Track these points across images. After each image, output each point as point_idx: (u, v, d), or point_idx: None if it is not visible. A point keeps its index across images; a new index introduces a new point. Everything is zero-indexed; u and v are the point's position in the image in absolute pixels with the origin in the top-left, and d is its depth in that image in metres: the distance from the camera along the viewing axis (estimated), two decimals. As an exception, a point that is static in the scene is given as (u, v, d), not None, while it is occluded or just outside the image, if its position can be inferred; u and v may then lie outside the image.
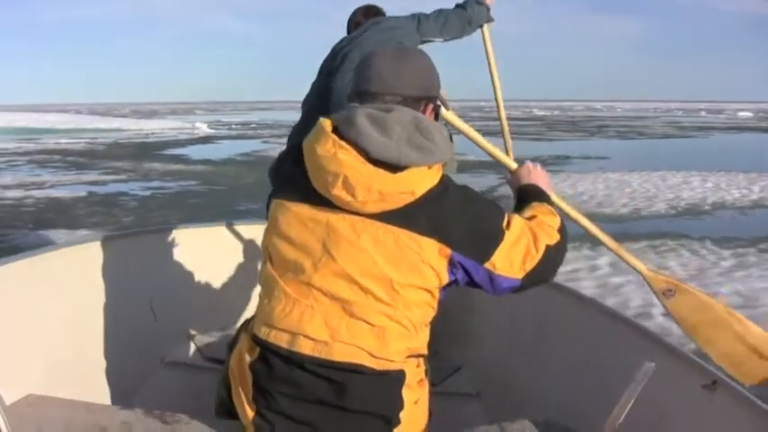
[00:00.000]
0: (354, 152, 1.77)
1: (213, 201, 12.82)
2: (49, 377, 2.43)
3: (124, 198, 13.35)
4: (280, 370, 1.85)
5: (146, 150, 25.09)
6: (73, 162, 20.59)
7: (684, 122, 56.33)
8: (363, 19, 3.75)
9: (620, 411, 2.29)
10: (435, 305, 1.94)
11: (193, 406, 2.23)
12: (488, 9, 3.79)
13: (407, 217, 1.80)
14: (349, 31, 3.81)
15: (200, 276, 3.40)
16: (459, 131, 2.48)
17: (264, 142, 29.22)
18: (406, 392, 1.89)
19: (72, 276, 2.78)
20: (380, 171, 1.76)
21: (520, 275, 1.92)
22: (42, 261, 2.73)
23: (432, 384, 2.05)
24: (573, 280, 6.96)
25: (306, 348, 1.82)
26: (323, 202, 1.83)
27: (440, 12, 3.72)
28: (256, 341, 1.90)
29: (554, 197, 2.38)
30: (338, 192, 1.78)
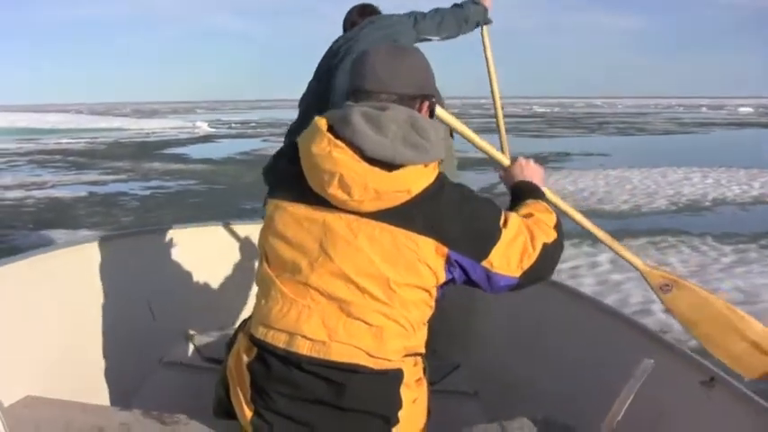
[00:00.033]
0: (350, 151, 1.76)
1: (213, 200, 12.82)
2: (47, 378, 2.43)
3: (124, 198, 13.36)
4: (277, 370, 1.85)
5: (146, 150, 25.12)
6: (73, 162, 20.61)
7: (685, 118, 56.34)
8: (359, 18, 3.75)
9: (618, 408, 2.28)
10: (433, 304, 1.94)
11: (192, 406, 2.23)
12: (486, 10, 3.79)
13: (404, 216, 1.80)
14: (345, 30, 3.82)
15: (198, 276, 3.40)
16: (452, 129, 2.47)
17: (264, 141, 29.23)
18: (404, 391, 1.88)
19: (70, 277, 2.78)
20: (376, 170, 1.75)
21: (517, 274, 1.92)
22: (40, 262, 2.73)
23: (430, 383, 2.04)
24: (573, 277, 6.97)
25: (303, 348, 1.82)
26: (319, 201, 1.82)
27: (436, 10, 3.73)
28: (254, 341, 1.90)
29: (548, 193, 2.37)
30: (334, 191, 1.77)
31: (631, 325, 2.60)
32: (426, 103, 1.98)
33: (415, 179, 1.79)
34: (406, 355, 1.90)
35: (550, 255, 1.98)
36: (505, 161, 2.47)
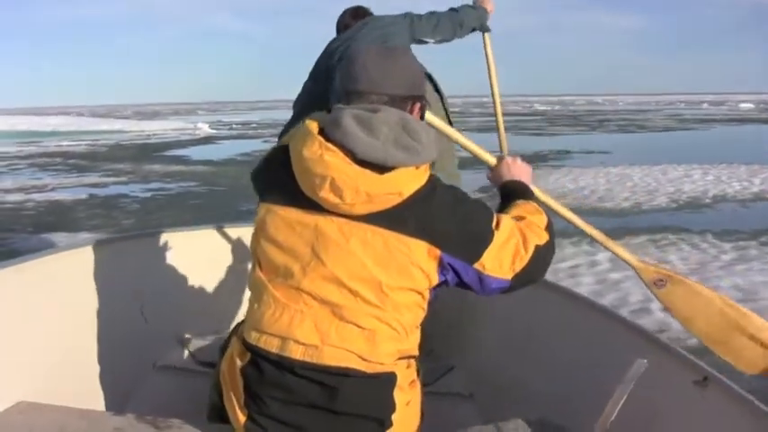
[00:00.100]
0: (341, 153, 1.75)
1: (214, 201, 12.82)
2: (39, 384, 2.42)
3: (125, 200, 13.35)
4: (271, 374, 1.84)
5: (147, 152, 25.12)
6: (74, 165, 20.61)
7: (686, 115, 56.31)
8: (352, 20, 3.75)
9: (612, 409, 2.28)
10: (425, 306, 1.93)
11: (186, 411, 2.23)
12: (484, 15, 3.78)
13: (395, 218, 1.79)
14: (338, 33, 3.81)
15: (192, 280, 3.39)
16: (439, 131, 2.47)
17: (265, 141, 29.22)
18: (397, 394, 1.88)
19: (63, 282, 2.78)
20: (367, 172, 1.75)
21: (509, 276, 1.91)
22: (32, 266, 2.73)
23: (424, 385, 2.04)
24: (573, 276, 6.95)
25: (296, 353, 1.82)
26: (310, 205, 1.82)
27: (432, 13, 3.72)
28: (247, 346, 1.90)
29: (537, 192, 2.36)
30: (326, 194, 1.76)
31: (625, 325, 2.60)
32: (418, 104, 1.97)
33: (406, 181, 1.79)
34: (400, 358, 1.89)
35: (542, 257, 1.97)
36: (492, 160, 2.46)
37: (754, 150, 21.97)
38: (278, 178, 1.89)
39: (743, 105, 77.99)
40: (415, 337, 1.95)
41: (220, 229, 3.68)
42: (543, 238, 1.98)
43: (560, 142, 27.17)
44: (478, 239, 1.87)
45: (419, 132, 1.79)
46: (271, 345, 1.84)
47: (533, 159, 19.48)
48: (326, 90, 3.43)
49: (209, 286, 3.49)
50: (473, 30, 3.78)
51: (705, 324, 2.60)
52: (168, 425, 2.14)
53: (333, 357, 1.81)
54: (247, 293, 2.02)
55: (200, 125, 43.65)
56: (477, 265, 1.87)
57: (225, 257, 3.62)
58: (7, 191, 14.65)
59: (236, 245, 3.64)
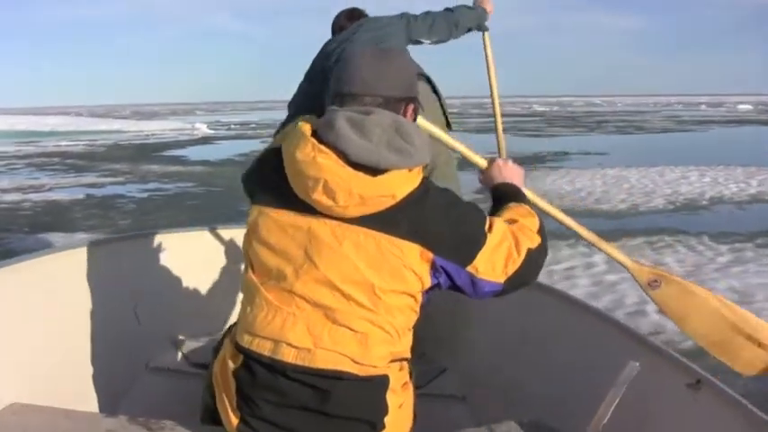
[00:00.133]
0: (334, 156, 1.75)
1: (211, 202, 12.81)
2: (32, 385, 2.42)
3: (122, 201, 13.34)
4: (263, 377, 1.84)
5: (145, 152, 25.09)
6: (72, 165, 20.59)
7: (684, 116, 56.30)
8: (347, 22, 3.75)
9: (604, 411, 2.29)
10: (418, 309, 1.93)
11: (179, 412, 2.23)
12: (481, 15, 3.78)
13: (388, 221, 1.79)
14: (333, 34, 3.82)
15: (186, 281, 3.38)
16: (430, 134, 2.46)
17: (263, 142, 29.17)
18: (390, 397, 1.88)
19: (56, 283, 2.77)
20: (360, 174, 1.75)
21: (502, 279, 1.91)
22: (25, 268, 2.72)
23: (417, 387, 2.04)
24: (569, 278, 6.96)
25: (288, 356, 1.82)
26: (303, 207, 1.81)
27: (427, 13, 3.72)
28: (239, 349, 1.89)
29: (528, 193, 2.36)
30: (319, 197, 1.76)
31: (618, 328, 2.59)
32: (411, 106, 1.96)
33: (399, 184, 1.79)
34: (392, 361, 1.90)
35: (535, 260, 1.97)
36: (482, 163, 2.45)
37: (751, 152, 21.97)
38: (270, 180, 1.89)
39: (741, 107, 78.03)
40: (408, 340, 1.95)
41: (214, 231, 3.68)
42: (535, 241, 1.98)
43: (558, 143, 27.17)
44: (471, 242, 1.87)
45: (412, 135, 1.79)
46: (263, 348, 1.84)
47: (531, 160, 19.49)
48: (322, 91, 3.43)
49: (203, 287, 3.48)
50: (469, 30, 3.78)
51: (700, 325, 2.58)
52: (161, 426, 2.14)
53: (325, 360, 1.81)
54: (241, 295, 2.02)
55: (198, 125, 43.60)
56: (469, 268, 1.87)
57: (219, 259, 3.61)
58: (5, 191, 14.64)
59: (230, 246, 3.63)
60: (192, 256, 3.43)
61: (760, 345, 2.48)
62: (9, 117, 57.45)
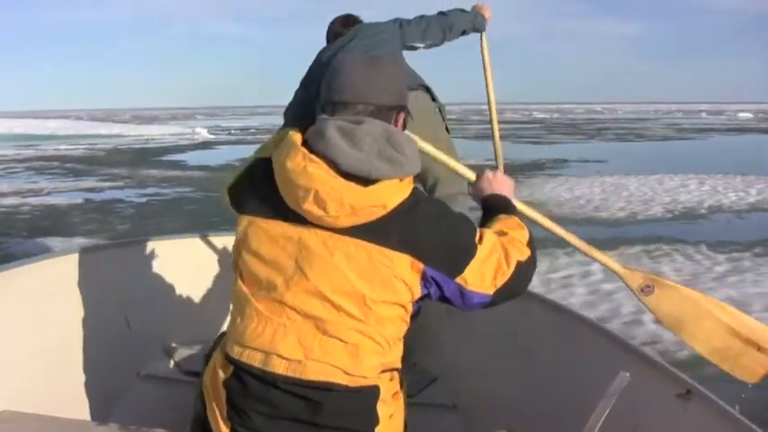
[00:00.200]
0: (325, 165, 1.74)
1: (209, 207, 12.79)
2: (23, 392, 2.42)
3: (120, 205, 13.35)
4: (254, 388, 1.83)
5: (144, 156, 25.13)
6: (71, 169, 20.62)
7: (684, 124, 56.34)
8: (342, 29, 3.76)
9: (594, 422, 2.28)
10: (408, 319, 1.92)
11: (170, 420, 2.22)
12: (476, 19, 3.78)
13: (379, 231, 1.79)
14: (328, 41, 3.82)
15: (178, 288, 3.38)
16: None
17: (263, 147, 29.17)
18: (380, 407, 1.87)
19: (47, 290, 2.77)
20: (351, 184, 1.74)
21: (491, 291, 1.90)
22: (17, 274, 2.72)
23: (408, 396, 2.03)
24: (565, 286, 6.95)
25: (279, 368, 1.81)
26: (294, 217, 1.81)
27: (421, 17, 3.73)
28: (229, 359, 1.88)
29: (518, 204, 2.35)
30: (309, 206, 1.75)
31: (609, 338, 2.59)
32: (402, 114, 1.96)
33: (390, 194, 1.78)
34: (383, 371, 1.89)
35: (524, 272, 1.96)
36: (471, 176, 2.44)
37: (751, 160, 21.97)
38: (260, 190, 1.88)
39: (741, 115, 78.08)
40: (398, 350, 1.94)
41: (207, 238, 3.67)
42: (525, 253, 1.97)
43: (558, 151, 27.18)
44: (461, 253, 1.87)
45: (403, 144, 1.79)
46: (254, 359, 1.83)
47: (530, 168, 19.51)
48: (318, 98, 3.43)
49: (195, 295, 3.48)
50: (464, 32, 3.78)
51: (697, 329, 2.52)
52: None
53: (316, 372, 1.80)
54: (233, 303, 2.01)
55: (198, 130, 43.64)
56: (458, 279, 1.86)
57: (211, 266, 3.60)
58: (3, 194, 14.66)
59: (223, 253, 3.63)
60: (184, 263, 3.42)
61: (760, 348, 2.43)
62: (8, 120, 57.47)
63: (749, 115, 76.68)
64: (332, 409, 1.81)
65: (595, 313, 6.14)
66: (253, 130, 47.58)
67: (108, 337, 2.92)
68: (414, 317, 1.94)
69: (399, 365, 1.96)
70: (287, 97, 3.88)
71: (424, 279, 1.85)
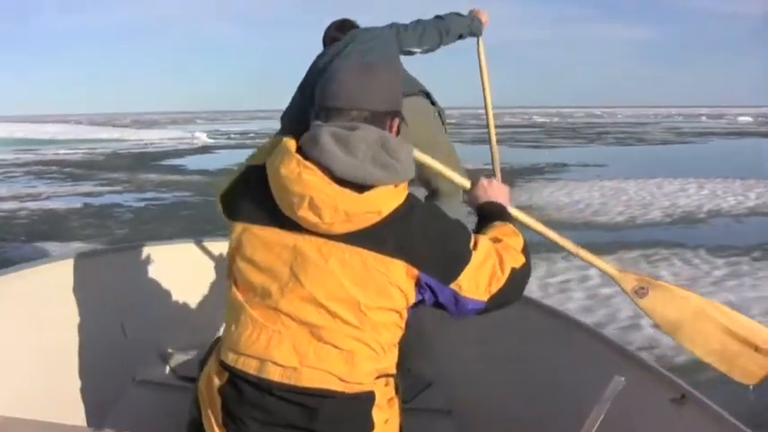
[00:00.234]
0: (319, 172, 1.74)
1: (207, 212, 12.76)
2: (19, 398, 2.42)
3: (119, 210, 13.36)
4: (249, 395, 1.83)
5: (143, 161, 25.15)
6: (70, 173, 20.64)
7: (684, 128, 56.39)
8: (338, 33, 3.74)
9: (589, 427, 2.28)
10: (403, 325, 1.92)
11: (165, 426, 2.22)
12: (472, 24, 3.78)
13: (374, 238, 1.78)
14: (325, 46, 3.81)
15: (173, 293, 3.37)
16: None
17: (263, 151, 29.17)
18: (375, 413, 1.87)
19: (42, 295, 2.77)
20: (346, 191, 1.73)
21: (485, 297, 1.90)
22: (12, 280, 2.72)
23: (403, 401, 2.02)
24: (563, 291, 6.96)
25: (275, 375, 1.80)
26: (288, 224, 1.80)
27: (418, 22, 3.72)
28: (224, 366, 1.88)
29: (513, 211, 2.34)
30: (304, 213, 1.75)
31: (604, 342, 2.59)
32: (396, 120, 1.95)
33: (385, 200, 1.78)
34: (378, 377, 1.88)
35: (518, 279, 1.95)
36: (466, 184, 2.43)
37: (750, 164, 22.00)
38: (254, 197, 1.87)
39: (741, 119, 78.14)
40: (393, 356, 1.93)
41: (203, 243, 3.67)
42: (519, 260, 1.97)
43: (557, 155, 27.21)
44: (456, 259, 1.86)
45: (397, 150, 1.78)
46: (249, 366, 1.82)
47: (530, 172, 19.52)
48: (313, 104, 3.42)
49: (191, 300, 3.47)
50: (460, 36, 3.78)
51: (693, 331, 2.49)
52: None
53: (312, 379, 1.79)
54: (228, 308, 2.01)
55: (198, 134, 43.69)
56: (453, 285, 1.85)
57: (207, 271, 3.60)
58: (2, 199, 14.67)
59: (218, 259, 3.62)
60: (180, 269, 3.42)
61: (757, 349, 2.40)
62: (8, 124, 57.55)
63: (749, 119, 76.74)
64: (327, 415, 1.81)
65: (593, 318, 6.14)
66: (252, 135, 47.61)
67: (103, 343, 2.91)
68: (409, 322, 1.94)
69: (394, 371, 1.95)
70: (287, 101, 3.87)
71: (419, 285, 1.84)
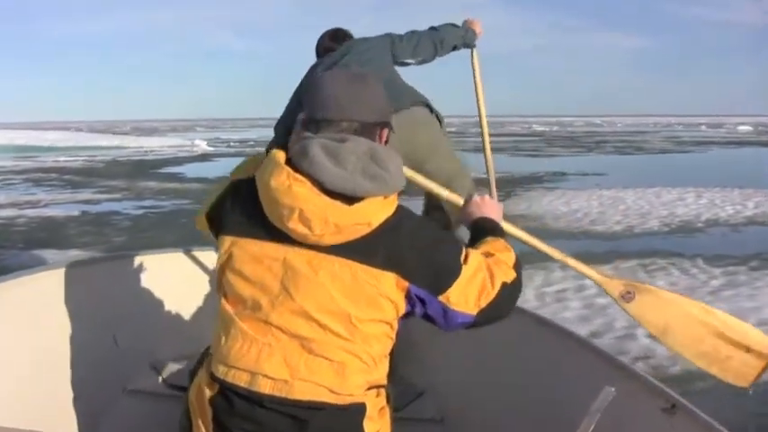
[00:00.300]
0: (309, 184, 1.74)
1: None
2: (8, 407, 2.41)
3: (117, 217, 13.35)
4: (240, 407, 1.82)
5: (143, 168, 25.15)
6: (69, 180, 20.63)
7: (684, 137, 56.44)
8: (331, 43, 3.74)
9: None
10: (394, 336, 1.92)
11: None
12: (466, 34, 3.79)
13: (364, 250, 1.79)
14: (318, 56, 3.81)
15: (165, 303, 3.37)
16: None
17: (262, 159, 29.14)
18: (367, 424, 1.87)
19: (33, 304, 2.76)
20: (336, 203, 1.74)
21: (474, 311, 1.90)
22: (2, 289, 2.72)
23: (394, 410, 2.03)
24: (559, 300, 6.96)
25: (265, 388, 1.79)
26: (278, 236, 1.80)
27: (412, 33, 3.73)
28: (215, 378, 1.87)
29: (506, 226, 2.35)
30: (294, 225, 1.75)
31: (595, 352, 2.59)
32: (386, 131, 1.96)
33: (375, 211, 1.78)
34: (369, 389, 1.88)
35: (509, 294, 1.95)
36: (459, 201, 2.44)
37: (749, 174, 22.01)
38: (244, 210, 1.88)
39: (741, 128, 78.21)
40: (384, 367, 1.93)
41: (194, 252, 3.66)
42: (510, 275, 1.97)
43: (556, 164, 27.21)
44: (446, 271, 1.87)
45: (387, 161, 1.79)
46: (239, 379, 1.82)
47: (528, 181, 19.53)
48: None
49: (182, 309, 3.47)
50: (455, 48, 3.79)
51: (682, 334, 2.49)
52: None
53: (303, 392, 1.79)
54: (221, 318, 2.00)
55: (197, 142, 43.70)
56: (441, 298, 1.86)
57: (198, 280, 3.59)
58: (0, 206, 14.64)
59: (211, 268, 3.62)
60: (172, 278, 3.41)
61: (748, 350, 2.40)
62: (8, 131, 57.55)
63: (749, 128, 76.81)
64: (318, 427, 1.81)
65: (590, 327, 6.15)
66: (251, 143, 47.57)
67: (94, 352, 2.90)
68: (399, 331, 1.94)
69: (385, 382, 1.95)
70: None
71: (409, 297, 1.85)
